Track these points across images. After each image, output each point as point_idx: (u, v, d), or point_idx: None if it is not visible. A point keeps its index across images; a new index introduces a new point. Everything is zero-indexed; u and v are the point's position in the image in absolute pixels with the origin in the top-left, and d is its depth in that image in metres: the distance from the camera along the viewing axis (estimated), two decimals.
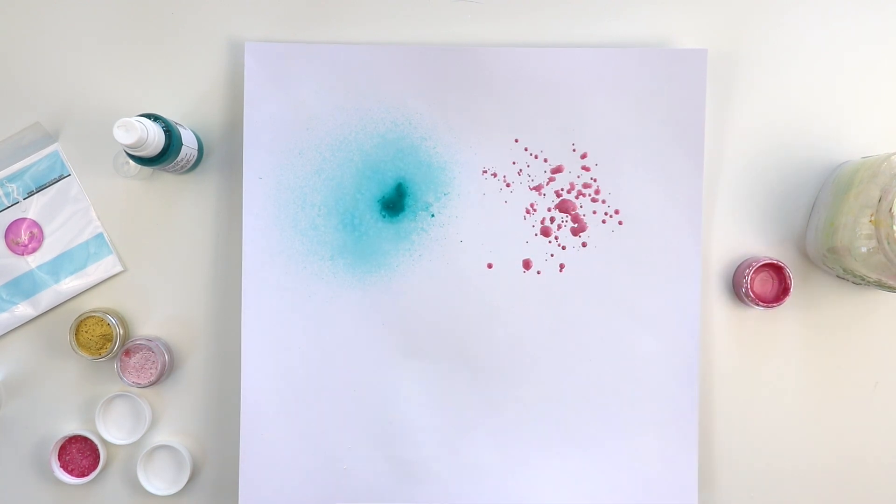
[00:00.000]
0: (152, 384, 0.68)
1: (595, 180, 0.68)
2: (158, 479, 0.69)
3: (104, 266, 0.69)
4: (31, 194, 0.69)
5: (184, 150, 0.64)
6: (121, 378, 0.67)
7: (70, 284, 0.68)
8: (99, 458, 0.68)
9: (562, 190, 0.68)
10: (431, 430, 0.68)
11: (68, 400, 0.69)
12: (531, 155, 0.68)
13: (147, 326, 0.69)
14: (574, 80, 0.67)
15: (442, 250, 0.67)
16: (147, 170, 0.68)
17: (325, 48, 0.67)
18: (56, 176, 0.69)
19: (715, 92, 0.68)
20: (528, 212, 0.68)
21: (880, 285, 0.63)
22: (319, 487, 0.67)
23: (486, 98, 0.67)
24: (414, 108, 0.67)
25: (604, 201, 0.68)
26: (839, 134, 0.69)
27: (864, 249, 0.60)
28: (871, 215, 0.59)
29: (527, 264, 0.68)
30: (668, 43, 0.69)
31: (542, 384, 0.68)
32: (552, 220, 0.68)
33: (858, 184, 0.62)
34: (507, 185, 0.68)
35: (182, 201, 0.69)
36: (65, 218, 0.69)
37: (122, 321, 0.68)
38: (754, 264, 0.67)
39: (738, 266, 0.69)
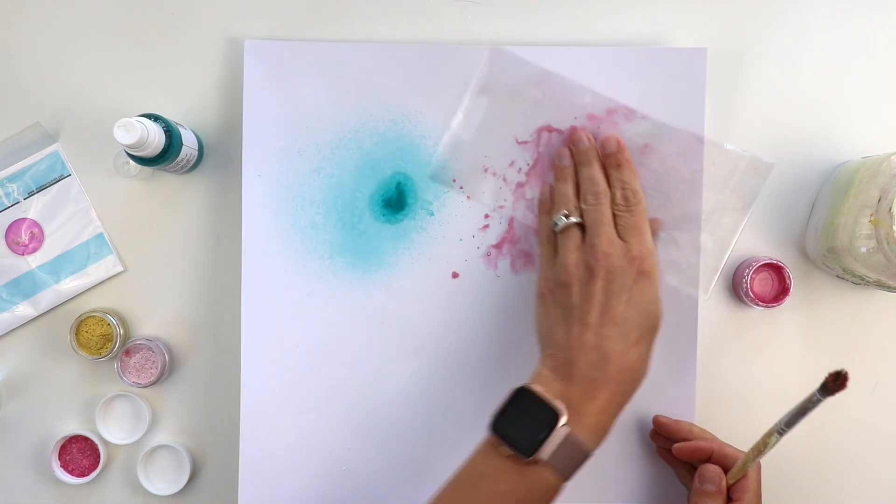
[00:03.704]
0: (152, 384, 0.68)
1: None
2: (158, 479, 0.69)
3: (104, 266, 0.69)
4: (31, 194, 0.69)
5: (184, 150, 0.64)
6: (121, 378, 0.67)
7: (70, 284, 0.69)
8: (99, 457, 0.68)
9: None
10: (432, 430, 0.68)
11: (68, 400, 0.69)
12: (531, 154, 0.68)
13: (147, 326, 0.69)
14: (574, 78, 0.67)
15: (441, 249, 0.67)
16: (147, 170, 0.68)
17: (324, 46, 0.67)
18: (56, 176, 0.69)
19: (714, 90, 0.68)
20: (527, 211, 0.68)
21: (880, 285, 0.63)
22: (319, 488, 0.67)
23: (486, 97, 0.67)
24: (414, 107, 0.67)
25: None
26: (839, 134, 0.69)
27: (863, 249, 0.60)
28: (871, 215, 0.59)
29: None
30: (667, 42, 0.69)
31: None
32: None
33: (858, 184, 0.62)
34: (506, 183, 0.68)
35: (182, 201, 0.69)
36: (65, 218, 0.69)
37: (123, 321, 0.68)
38: (754, 264, 0.67)
39: (738, 266, 0.69)
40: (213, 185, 0.69)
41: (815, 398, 0.51)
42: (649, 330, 0.58)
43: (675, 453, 0.63)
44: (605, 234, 0.59)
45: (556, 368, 0.57)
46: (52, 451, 0.68)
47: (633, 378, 0.57)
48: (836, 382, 0.50)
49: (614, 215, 0.60)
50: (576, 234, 0.60)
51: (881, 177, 0.60)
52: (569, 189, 0.63)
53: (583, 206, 0.61)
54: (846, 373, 0.50)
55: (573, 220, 0.60)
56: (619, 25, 0.69)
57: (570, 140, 0.65)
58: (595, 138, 0.65)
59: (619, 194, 0.61)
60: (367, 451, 0.67)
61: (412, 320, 0.67)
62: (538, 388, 0.56)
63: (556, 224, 0.61)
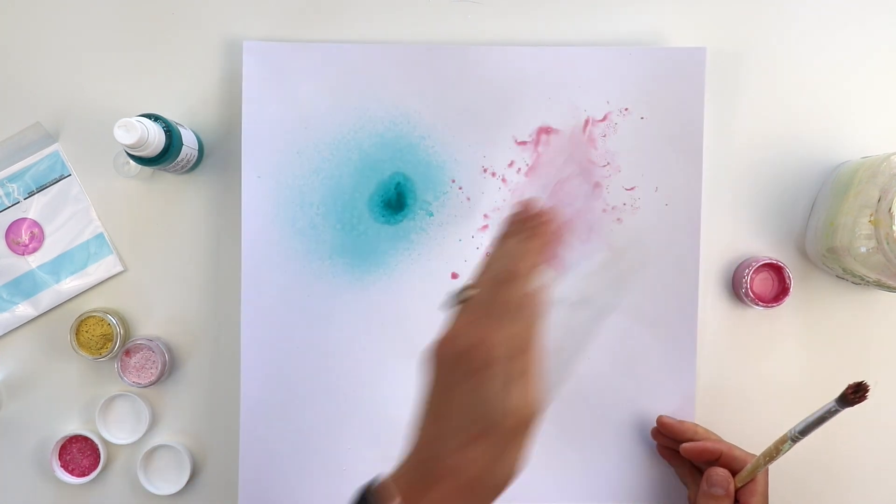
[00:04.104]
0: (152, 384, 0.68)
1: None
2: (158, 479, 0.69)
3: (104, 266, 0.69)
4: (31, 194, 0.69)
5: (184, 150, 0.64)
6: (121, 378, 0.67)
7: (70, 284, 0.69)
8: (99, 457, 0.68)
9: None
10: None
11: (69, 400, 0.69)
12: (531, 154, 0.68)
13: (147, 326, 0.69)
14: (573, 78, 0.67)
15: (441, 250, 0.67)
16: (147, 170, 0.68)
17: (323, 47, 0.67)
18: (56, 176, 0.69)
19: (714, 91, 0.68)
20: None
21: (880, 285, 0.63)
22: (319, 488, 0.67)
23: (484, 97, 0.67)
24: (413, 107, 0.67)
25: (603, 199, 0.68)
26: (839, 134, 0.69)
27: (863, 249, 0.60)
28: (871, 215, 0.59)
29: None
30: (666, 41, 0.69)
31: None
32: None
33: (858, 184, 0.62)
34: (505, 184, 0.68)
35: (182, 201, 0.69)
36: (65, 218, 0.69)
37: (123, 321, 0.68)
38: (754, 264, 0.67)
39: (738, 266, 0.69)
40: (213, 185, 0.69)
41: (832, 409, 0.51)
42: (491, 426, 0.45)
43: (683, 453, 0.63)
44: (471, 315, 0.50)
45: (406, 460, 0.47)
46: (52, 451, 0.68)
47: (474, 479, 0.44)
48: (855, 394, 0.50)
49: None
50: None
51: (881, 177, 0.60)
52: None
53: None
54: (867, 385, 0.49)
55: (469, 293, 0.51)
56: (618, 25, 0.69)
57: None
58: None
59: None
60: (366, 452, 0.67)
61: (412, 320, 0.67)
62: (377, 487, 0.45)
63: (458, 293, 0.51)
